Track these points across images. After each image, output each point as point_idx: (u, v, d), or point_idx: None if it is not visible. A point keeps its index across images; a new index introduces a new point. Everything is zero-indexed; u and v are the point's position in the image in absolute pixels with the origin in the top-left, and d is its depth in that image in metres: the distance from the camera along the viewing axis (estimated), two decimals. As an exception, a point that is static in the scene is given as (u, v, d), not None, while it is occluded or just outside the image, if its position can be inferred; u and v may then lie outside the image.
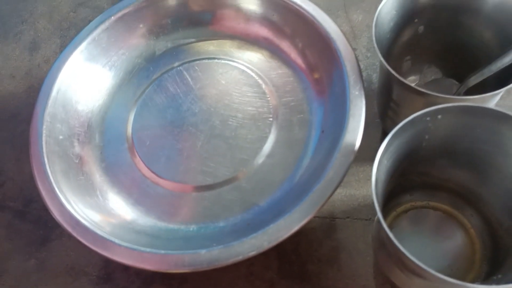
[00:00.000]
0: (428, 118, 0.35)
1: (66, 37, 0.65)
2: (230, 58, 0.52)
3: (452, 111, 0.35)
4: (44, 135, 0.44)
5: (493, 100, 0.41)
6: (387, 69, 0.39)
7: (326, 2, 0.62)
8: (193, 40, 0.54)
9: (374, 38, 0.40)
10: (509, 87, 0.37)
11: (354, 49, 0.57)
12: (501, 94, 0.40)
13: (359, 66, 0.44)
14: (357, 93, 0.41)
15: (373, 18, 0.41)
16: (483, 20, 0.43)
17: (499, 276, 0.35)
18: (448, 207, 0.45)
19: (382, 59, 0.40)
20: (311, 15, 0.47)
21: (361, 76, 0.43)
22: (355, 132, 0.40)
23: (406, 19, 0.45)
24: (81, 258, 0.49)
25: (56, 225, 0.51)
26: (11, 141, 0.58)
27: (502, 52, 0.40)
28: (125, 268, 0.48)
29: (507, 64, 0.40)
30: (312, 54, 0.48)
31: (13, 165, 0.56)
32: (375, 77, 0.55)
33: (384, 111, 0.47)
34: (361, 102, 0.41)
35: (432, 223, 0.46)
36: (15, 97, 0.61)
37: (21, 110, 0.60)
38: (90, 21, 0.65)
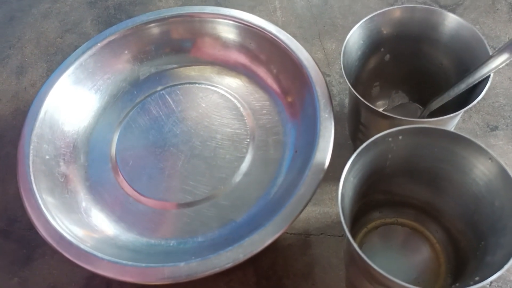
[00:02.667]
0: (390, 139, 0.38)
1: (52, 62, 0.67)
2: (210, 83, 0.55)
3: (412, 132, 0.38)
4: (31, 154, 0.46)
5: (453, 122, 0.45)
6: (354, 93, 0.42)
7: (302, 31, 0.66)
8: (175, 65, 0.57)
9: (342, 66, 0.43)
10: (464, 110, 0.40)
11: (327, 75, 0.61)
12: (459, 116, 0.44)
13: (329, 90, 0.47)
14: (327, 115, 0.44)
15: (343, 45, 0.44)
16: (442, 49, 0.47)
17: (457, 285, 0.37)
18: (414, 223, 0.48)
19: (349, 85, 0.43)
20: (285, 43, 0.51)
21: (331, 100, 0.46)
22: (325, 151, 0.42)
23: (372, 48, 0.48)
24: (63, 276, 0.50)
25: (39, 244, 0.52)
26: (-4, 162, 0.60)
27: (459, 79, 0.44)
28: (107, 286, 0.49)
29: (463, 90, 0.43)
30: (286, 80, 0.51)
31: (-3, 185, 0.58)
32: (347, 101, 0.59)
33: (355, 133, 0.50)
34: (331, 124, 0.44)
35: (400, 238, 0.48)
36: (0, 119, 0.63)
37: (7, 132, 0.62)
38: (76, 46, 0.68)
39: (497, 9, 0.65)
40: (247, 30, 0.53)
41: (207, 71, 0.56)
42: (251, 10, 0.69)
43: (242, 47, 0.55)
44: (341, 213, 0.34)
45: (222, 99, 0.54)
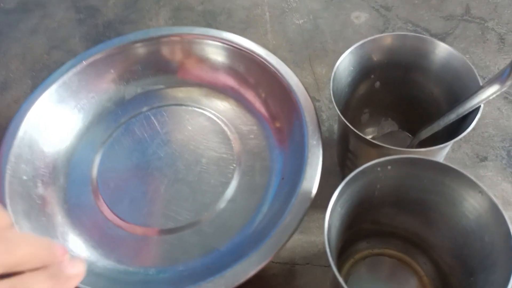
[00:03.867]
0: (378, 169, 0.37)
1: (38, 78, 0.66)
2: (198, 105, 0.54)
3: (401, 163, 0.37)
4: (7, 175, 0.44)
5: (442, 152, 0.44)
6: (344, 121, 0.42)
7: (293, 55, 0.66)
8: (162, 86, 0.56)
9: (331, 92, 0.43)
10: (454, 141, 0.39)
11: (317, 101, 0.60)
12: (448, 147, 0.43)
13: (318, 117, 0.46)
14: (315, 142, 0.43)
15: (334, 71, 0.44)
16: (432, 77, 0.47)
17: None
18: (402, 254, 0.47)
19: (338, 112, 0.42)
20: (275, 67, 0.50)
21: (320, 126, 0.45)
22: (312, 180, 0.41)
23: (362, 75, 0.48)
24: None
25: None
26: (-26, 180, 0.58)
27: (449, 108, 0.43)
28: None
29: (453, 120, 0.43)
30: (275, 104, 0.50)
31: (-27, 204, 0.56)
32: (336, 127, 0.58)
33: (343, 160, 0.50)
34: (319, 151, 0.43)
35: (388, 270, 0.47)
36: (-19, 136, 0.61)
37: (-13, 149, 0.60)
38: (63, 64, 0.67)
39: (487, 39, 0.65)
40: (236, 52, 0.53)
41: (195, 93, 0.55)
42: (242, 32, 0.69)
43: (231, 70, 0.54)
44: (327, 245, 0.33)
45: (209, 121, 0.53)
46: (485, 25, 0.66)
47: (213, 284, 0.37)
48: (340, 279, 0.31)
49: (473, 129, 0.40)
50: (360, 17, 0.69)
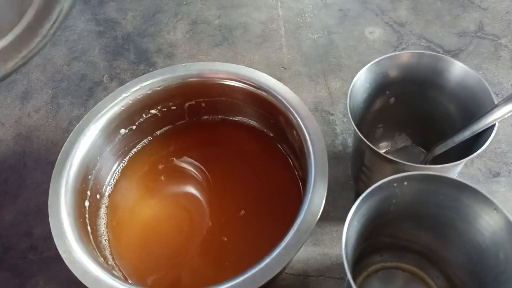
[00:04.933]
0: (395, 184, 0.38)
1: (58, 89, 0.68)
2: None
3: (417, 179, 0.38)
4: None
5: (456, 169, 0.45)
6: (360, 136, 0.43)
7: (307, 69, 0.67)
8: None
9: (348, 108, 0.44)
10: (469, 158, 0.40)
11: (331, 114, 0.61)
12: (463, 164, 0.44)
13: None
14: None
15: (349, 87, 0.45)
16: (447, 95, 0.47)
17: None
18: (415, 268, 0.47)
19: (355, 127, 0.43)
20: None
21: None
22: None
23: (378, 91, 0.49)
24: (54, 309, 0.49)
25: (32, 274, 0.51)
26: (-6, 187, 0.59)
27: (464, 125, 0.44)
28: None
29: (468, 137, 0.43)
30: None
31: (-6, 211, 0.57)
32: (350, 141, 0.59)
33: (357, 174, 0.50)
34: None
35: (401, 283, 0.47)
36: (2, 144, 0.63)
37: (7, 158, 0.61)
38: (83, 75, 0.69)
39: (500, 56, 0.66)
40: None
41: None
42: (257, 46, 0.70)
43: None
44: (345, 260, 0.34)
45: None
46: (499, 42, 0.67)
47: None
48: (358, 292, 0.32)
49: (483, 149, 0.40)
50: (374, 32, 0.70)
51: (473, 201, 0.36)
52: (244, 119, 0.56)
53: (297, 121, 0.47)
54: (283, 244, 0.39)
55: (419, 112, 0.51)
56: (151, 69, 0.68)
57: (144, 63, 0.70)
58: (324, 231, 0.53)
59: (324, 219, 0.53)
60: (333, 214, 0.54)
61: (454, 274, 0.43)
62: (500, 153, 0.57)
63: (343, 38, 0.70)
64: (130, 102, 0.51)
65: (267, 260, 0.38)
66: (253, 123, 0.56)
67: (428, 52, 0.47)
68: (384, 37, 0.69)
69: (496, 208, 0.35)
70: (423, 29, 0.70)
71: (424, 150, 0.53)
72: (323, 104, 0.63)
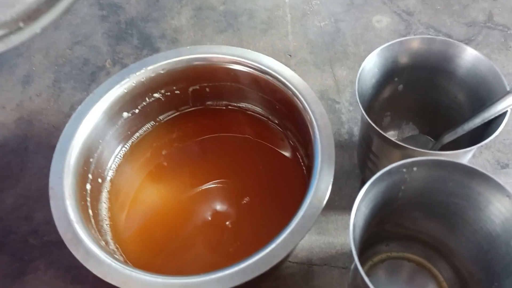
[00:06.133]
0: (404, 170, 0.37)
1: (60, 73, 0.67)
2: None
3: (427, 164, 0.37)
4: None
5: (466, 157, 0.44)
6: (368, 122, 0.42)
7: (313, 57, 0.66)
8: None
9: (356, 92, 0.43)
10: (480, 144, 0.39)
11: (337, 103, 0.61)
12: (473, 151, 0.43)
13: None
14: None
15: (356, 75, 0.44)
16: (457, 82, 0.46)
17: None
18: (421, 259, 0.46)
19: (363, 112, 0.42)
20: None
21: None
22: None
23: (387, 77, 0.48)
24: (55, 293, 0.49)
25: (33, 258, 0.51)
26: (-5, 170, 0.58)
27: (473, 113, 0.43)
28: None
29: (478, 125, 0.43)
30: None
31: (-6, 194, 0.56)
32: (356, 130, 0.58)
33: (364, 162, 0.49)
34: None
35: (407, 274, 0.47)
36: (3, 127, 0.62)
37: (9, 141, 0.60)
38: (85, 59, 0.68)
39: (510, 46, 0.64)
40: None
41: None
42: (263, 33, 0.69)
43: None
44: (352, 244, 0.33)
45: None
46: (508, 32, 0.66)
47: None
48: (367, 280, 0.31)
49: (495, 136, 0.39)
50: (382, 21, 0.69)
51: (484, 188, 0.36)
52: (249, 105, 0.55)
53: (304, 106, 0.46)
54: (289, 229, 0.38)
55: (428, 101, 0.50)
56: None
57: (148, 48, 0.69)
58: (329, 220, 0.52)
59: (329, 208, 0.52)
60: (338, 203, 0.53)
61: (461, 265, 0.42)
62: (509, 144, 0.56)
63: (350, 26, 0.69)
64: (133, 84, 0.50)
65: (272, 245, 0.38)
66: (258, 109, 0.55)
67: (439, 37, 0.46)
68: (391, 26, 0.68)
69: (508, 195, 0.34)
70: (431, 19, 0.69)
71: (432, 139, 0.52)
72: (329, 92, 0.62)
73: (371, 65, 0.45)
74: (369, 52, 0.45)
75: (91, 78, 0.66)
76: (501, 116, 0.41)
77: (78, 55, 0.69)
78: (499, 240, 0.36)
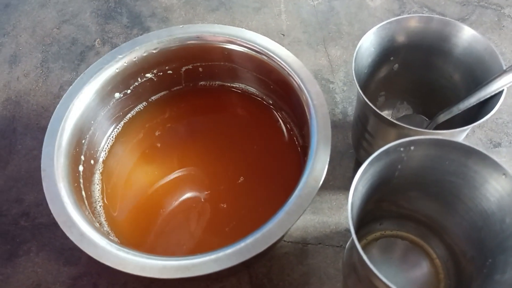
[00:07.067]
0: (401, 149, 0.37)
1: (48, 53, 0.65)
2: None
3: (424, 143, 0.37)
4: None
5: (461, 136, 0.44)
6: (365, 101, 0.41)
7: (307, 36, 0.65)
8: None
9: (353, 70, 0.42)
10: (478, 123, 0.39)
11: (331, 82, 0.60)
12: (467, 131, 0.43)
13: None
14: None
15: (350, 55, 0.43)
16: (453, 62, 0.46)
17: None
18: (415, 237, 0.47)
19: (360, 91, 0.42)
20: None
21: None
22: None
23: (382, 56, 0.47)
24: (48, 275, 0.48)
25: (24, 240, 0.50)
26: (-17, 152, 0.57)
27: (468, 93, 0.43)
28: (94, 286, 0.47)
29: (474, 104, 0.43)
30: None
31: (-17, 176, 0.55)
32: (350, 109, 0.58)
33: (359, 142, 0.49)
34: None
35: (400, 252, 0.47)
36: (-10, 108, 0.60)
37: (-4, 122, 0.59)
38: (73, 38, 0.66)
39: (503, 26, 0.64)
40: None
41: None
42: (255, 12, 0.68)
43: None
44: (351, 224, 0.33)
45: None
46: (502, 11, 0.66)
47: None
48: (366, 258, 0.31)
49: (492, 114, 0.39)
50: (376, 0, 0.68)
51: (481, 167, 0.36)
52: (243, 85, 0.55)
53: (299, 85, 0.46)
54: (285, 208, 0.38)
55: (423, 80, 0.50)
56: (145, 34, 0.66)
57: (138, 27, 0.67)
58: (323, 200, 0.52)
59: (323, 188, 0.51)
60: (332, 183, 0.53)
61: (455, 243, 0.43)
62: (501, 124, 0.56)
63: (344, 5, 0.68)
64: (125, 64, 0.49)
65: (269, 225, 0.38)
66: (252, 89, 0.54)
67: (437, 16, 0.45)
68: (385, 4, 0.68)
69: (505, 173, 0.34)
70: (425, -3, 0.68)
71: (426, 119, 0.52)
72: (323, 72, 0.61)
73: (367, 44, 0.44)
74: (363, 32, 0.45)
75: (80, 58, 0.64)
76: (497, 95, 0.41)
77: (66, 34, 0.67)
78: (494, 217, 0.36)
